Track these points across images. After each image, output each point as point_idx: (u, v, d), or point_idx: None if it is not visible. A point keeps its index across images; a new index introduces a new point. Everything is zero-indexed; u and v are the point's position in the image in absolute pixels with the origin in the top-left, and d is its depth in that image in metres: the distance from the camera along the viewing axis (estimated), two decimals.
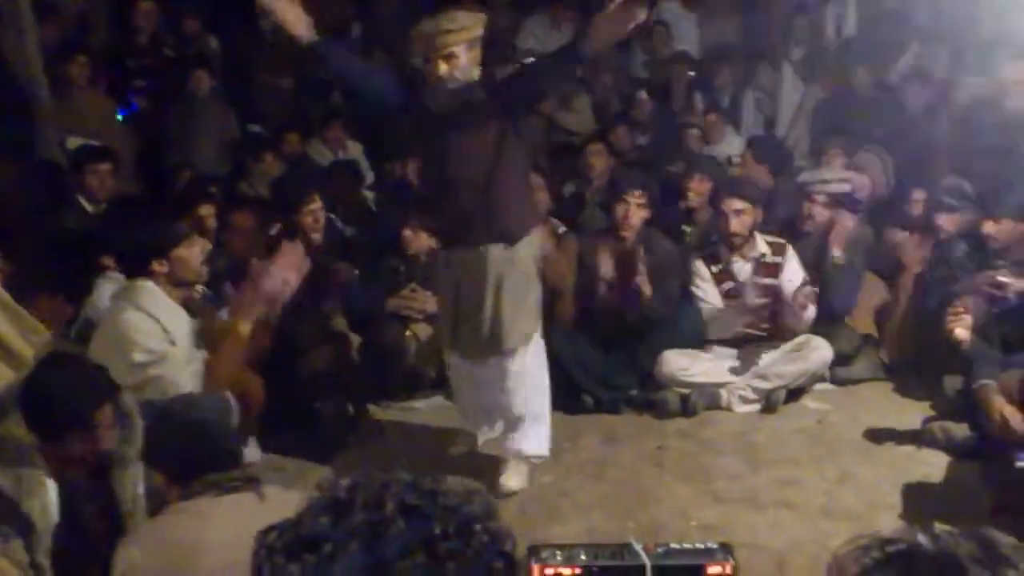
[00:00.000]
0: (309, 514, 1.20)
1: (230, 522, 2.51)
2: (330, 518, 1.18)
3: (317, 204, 5.68)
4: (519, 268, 4.52)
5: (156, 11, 8.27)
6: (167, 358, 3.96)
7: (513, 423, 4.72)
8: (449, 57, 4.25)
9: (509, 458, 4.73)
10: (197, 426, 2.81)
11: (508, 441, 4.75)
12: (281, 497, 2.63)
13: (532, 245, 4.60)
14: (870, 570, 1.18)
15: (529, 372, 4.66)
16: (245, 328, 3.93)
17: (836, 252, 5.83)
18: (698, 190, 6.43)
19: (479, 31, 4.31)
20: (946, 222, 5.83)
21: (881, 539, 1.20)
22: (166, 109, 7.74)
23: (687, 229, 6.38)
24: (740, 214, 5.61)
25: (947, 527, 1.21)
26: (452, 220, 4.54)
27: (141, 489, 3.13)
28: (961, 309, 4.51)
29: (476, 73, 4.36)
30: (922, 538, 1.17)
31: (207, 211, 5.65)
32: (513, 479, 4.66)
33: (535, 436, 4.72)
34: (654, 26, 9.06)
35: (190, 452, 2.72)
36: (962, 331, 4.47)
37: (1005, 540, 1.18)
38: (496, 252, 4.47)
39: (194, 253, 4.17)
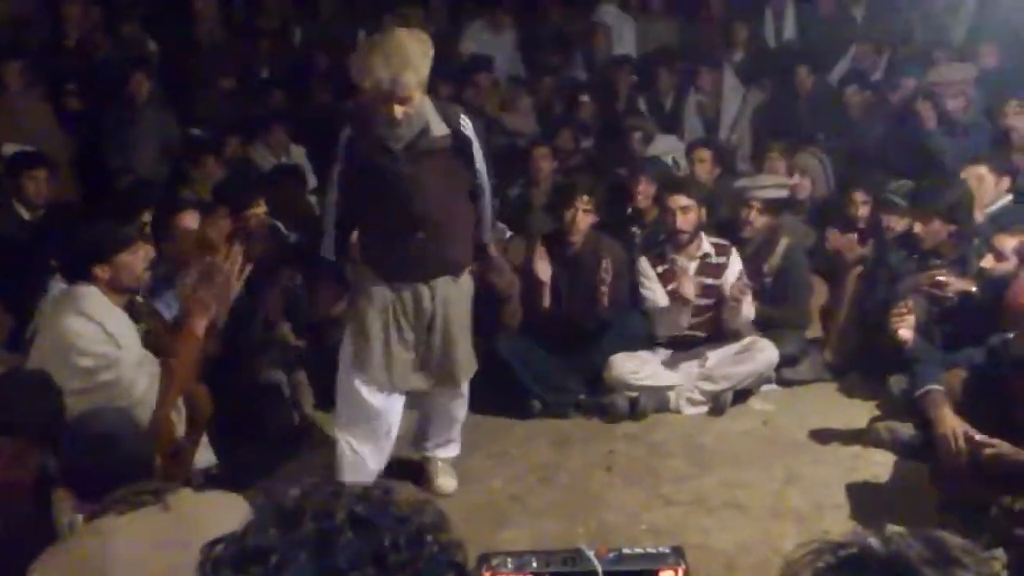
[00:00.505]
0: (256, 525, 1.17)
1: (136, 538, 2.45)
2: (278, 529, 1.15)
3: (261, 208, 5.62)
4: (464, 300, 4.59)
5: (85, 13, 8.13)
6: (119, 362, 3.87)
7: (450, 436, 4.90)
8: (405, 100, 4.13)
9: (438, 462, 4.89)
10: (103, 440, 2.71)
11: (440, 450, 4.90)
12: (213, 504, 2.57)
13: (468, 275, 4.64)
14: (822, 574, 1.17)
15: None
16: (200, 326, 3.85)
17: (774, 260, 5.89)
18: (645, 193, 6.46)
19: (429, 64, 4.18)
20: (894, 222, 5.92)
21: (832, 543, 1.21)
22: (105, 113, 7.60)
23: (636, 231, 6.39)
24: (685, 211, 5.64)
25: (898, 529, 1.20)
26: (401, 257, 4.41)
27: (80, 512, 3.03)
28: (904, 310, 4.55)
29: (428, 106, 4.27)
30: (873, 541, 1.18)
31: (147, 216, 5.56)
32: (450, 481, 4.84)
33: (458, 441, 4.94)
34: (595, 29, 9.09)
35: (98, 467, 2.65)
36: (906, 331, 4.51)
37: (955, 541, 1.19)
38: (444, 285, 4.48)
39: (138, 259, 4.09)
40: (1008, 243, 4.67)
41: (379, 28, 9.04)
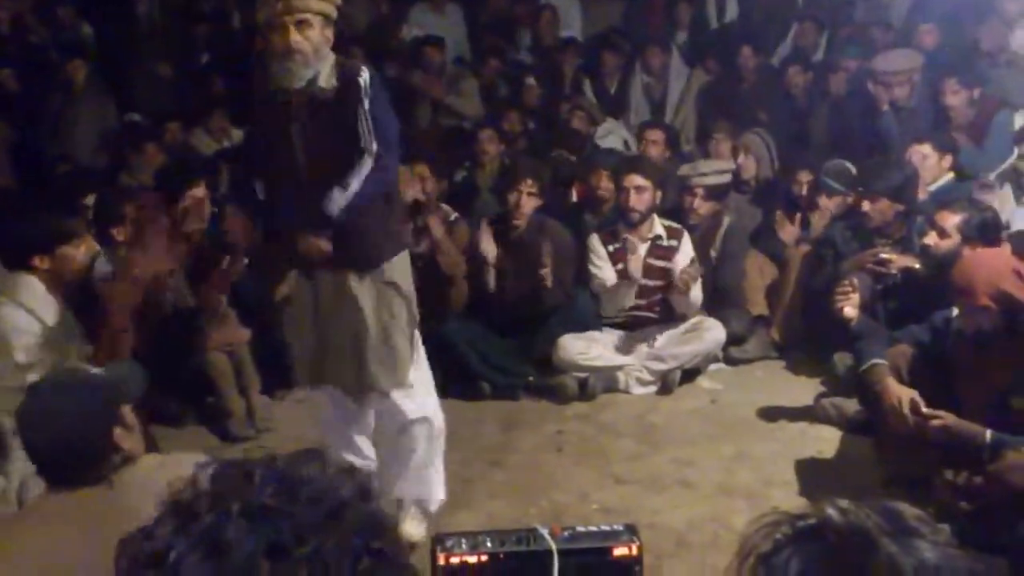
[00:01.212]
0: (158, 520, 1.10)
1: (68, 521, 2.39)
2: (175, 524, 1.07)
3: (200, 191, 5.54)
4: (384, 301, 3.99)
5: None
6: (38, 365, 3.79)
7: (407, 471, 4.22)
8: (301, 25, 3.66)
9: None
10: (52, 422, 2.51)
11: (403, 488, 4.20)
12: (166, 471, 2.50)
13: (401, 273, 4.06)
14: (781, 546, 1.17)
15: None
16: (120, 318, 3.78)
17: (714, 249, 5.94)
18: (603, 185, 6.39)
19: (334, 9, 3.77)
20: (827, 204, 5.99)
21: (790, 515, 1.20)
22: (41, 99, 7.45)
23: (589, 218, 6.34)
24: (640, 191, 5.65)
25: (852, 501, 1.21)
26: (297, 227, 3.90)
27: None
28: (849, 288, 4.60)
29: (329, 57, 3.78)
30: (831, 511, 1.17)
31: (89, 200, 5.47)
32: (414, 528, 3.99)
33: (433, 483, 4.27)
34: (542, 11, 9.06)
35: (54, 450, 2.48)
36: (850, 309, 4.56)
37: (911, 511, 1.19)
38: (355, 279, 3.95)
39: (80, 253, 4.01)
40: (950, 220, 4.73)
41: None
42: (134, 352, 4.37)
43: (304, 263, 3.96)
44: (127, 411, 2.59)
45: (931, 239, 4.78)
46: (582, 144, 7.49)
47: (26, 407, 2.57)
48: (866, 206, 5.30)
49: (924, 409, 3.93)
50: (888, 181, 5.27)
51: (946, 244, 4.71)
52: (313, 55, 3.71)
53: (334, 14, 3.79)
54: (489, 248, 5.71)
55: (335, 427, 4.25)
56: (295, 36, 3.65)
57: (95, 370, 2.69)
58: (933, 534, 1.16)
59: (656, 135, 7.11)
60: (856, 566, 1.12)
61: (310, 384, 4.19)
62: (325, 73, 3.77)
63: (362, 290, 3.94)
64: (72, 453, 2.46)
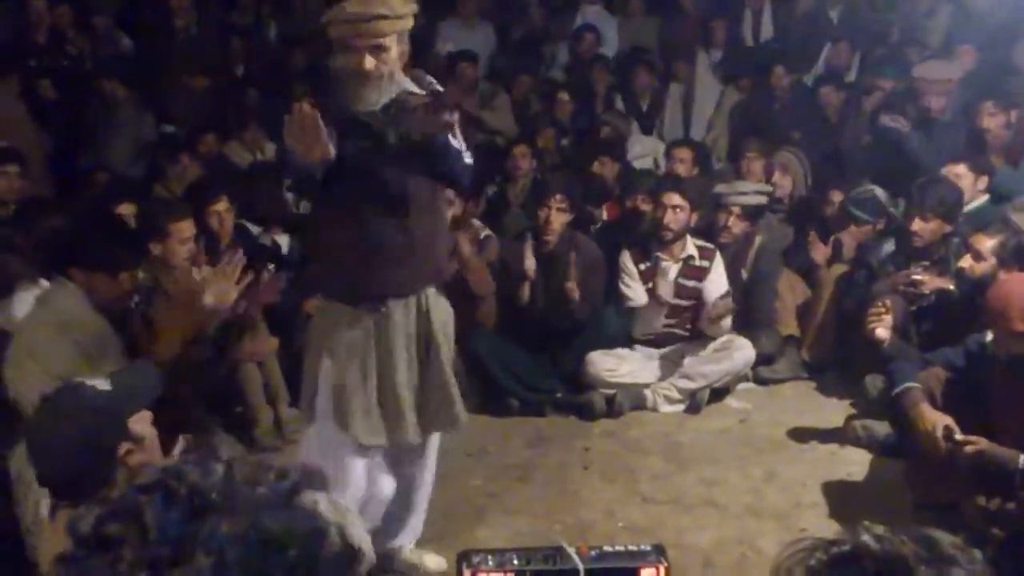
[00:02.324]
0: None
1: None
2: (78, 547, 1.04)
3: (223, 206, 5.58)
4: (451, 316, 3.84)
5: (52, 7, 8.05)
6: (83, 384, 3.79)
7: (419, 512, 4.06)
8: (378, 49, 3.41)
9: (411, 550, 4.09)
10: (58, 438, 2.44)
11: (408, 536, 4.06)
12: None
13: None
14: (815, 572, 1.16)
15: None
16: (162, 351, 3.72)
17: (744, 272, 5.91)
18: (640, 206, 6.40)
19: (410, 21, 3.54)
20: (854, 231, 5.96)
21: (825, 540, 1.19)
22: (78, 109, 7.53)
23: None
24: (677, 210, 5.64)
25: (887, 528, 1.19)
26: (378, 266, 3.57)
27: (45, 512, 2.92)
28: (882, 309, 4.57)
29: (403, 76, 3.54)
30: (867, 538, 1.16)
31: (128, 209, 5.51)
32: (434, 561, 3.99)
33: (417, 526, 4.09)
34: (583, 31, 9.08)
35: (60, 464, 2.44)
36: (883, 331, 4.52)
37: (947, 539, 1.18)
38: (432, 299, 3.71)
39: (118, 284, 4.00)
40: (986, 243, 4.69)
41: None
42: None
43: (372, 293, 3.61)
44: (138, 422, 2.57)
45: (966, 262, 4.74)
46: (622, 152, 7.52)
47: (29, 428, 2.56)
48: (916, 225, 5.23)
49: (958, 435, 3.89)
50: (940, 200, 5.23)
51: (981, 267, 4.67)
52: (389, 80, 3.44)
53: (410, 26, 3.55)
54: (530, 264, 5.70)
55: (345, 462, 3.68)
56: (370, 61, 3.41)
57: (101, 384, 2.68)
58: (969, 562, 1.15)
59: (684, 153, 7.10)
60: None
61: (366, 439, 3.66)
62: (409, 86, 3.53)
63: (438, 308, 3.73)
64: (73, 474, 2.44)
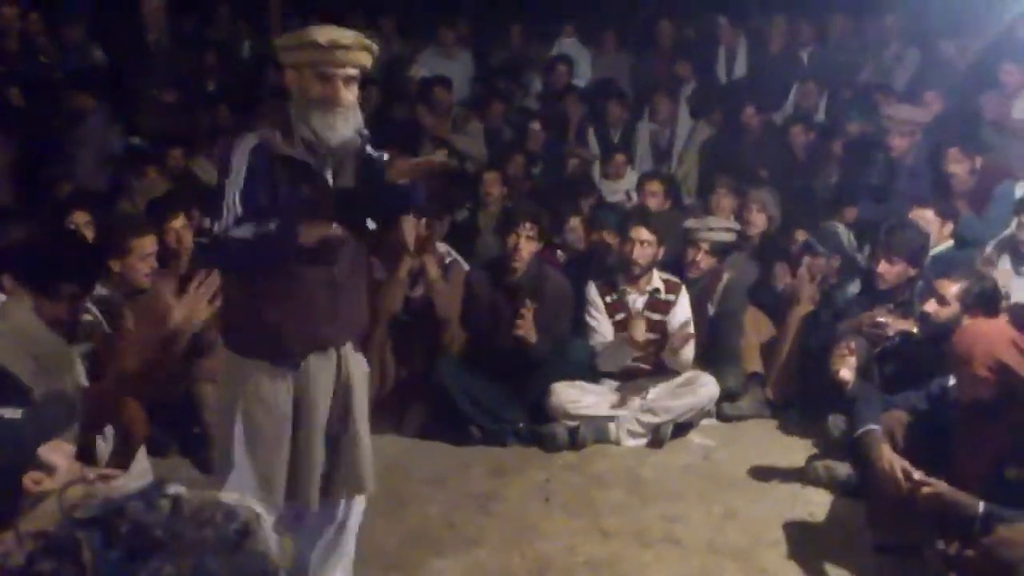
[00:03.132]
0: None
1: None
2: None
3: (180, 222, 5.54)
4: (365, 374, 3.68)
5: (21, 15, 7.98)
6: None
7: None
8: (351, 80, 3.30)
9: None
10: None
11: None
12: None
13: None
14: None
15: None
16: (123, 372, 3.62)
17: (711, 307, 5.92)
18: (606, 240, 6.43)
19: (369, 65, 3.43)
20: (810, 263, 5.99)
21: None
22: (47, 118, 7.44)
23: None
24: (644, 245, 5.64)
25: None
26: (306, 317, 3.37)
27: None
28: (847, 351, 4.58)
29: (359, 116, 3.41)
30: None
31: (82, 218, 5.45)
32: None
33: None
34: (557, 62, 9.13)
35: None
36: (847, 372, 4.54)
37: None
38: (349, 354, 3.54)
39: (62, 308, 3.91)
40: (951, 289, 4.72)
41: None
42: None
43: (299, 347, 3.42)
44: (51, 451, 2.53)
45: (931, 307, 4.76)
46: (592, 188, 7.55)
47: None
48: (882, 268, 5.27)
49: (916, 475, 3.89)
50: (907, 244, 5.26)
51: (946, 312, 4.69)
52: (353, 111, 3.34)
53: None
54: (494, 300, 5.66)
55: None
56: (345, 95, 3.29)
57: (10, 414, 2.63)
58: None
59: (656, 187, 7.13)
60: None
61: (285, 502, 3.45)
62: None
63: (357, 365, 3.58)
64: None
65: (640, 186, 7.37)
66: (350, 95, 3.30)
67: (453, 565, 4.26)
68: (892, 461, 3.96)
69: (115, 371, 3.50)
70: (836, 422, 5.19)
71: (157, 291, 4.82)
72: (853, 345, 4.66)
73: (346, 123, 3.30)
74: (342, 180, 3.41)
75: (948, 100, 7.59)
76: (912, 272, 5.26)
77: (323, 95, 3.26)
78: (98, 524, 0.97)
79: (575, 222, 6.79)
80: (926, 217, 5.70)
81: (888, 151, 6.78)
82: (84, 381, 3.89)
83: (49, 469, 2.48)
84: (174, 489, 1.04)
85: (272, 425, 3.41)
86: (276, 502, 3.36)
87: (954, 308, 4.67)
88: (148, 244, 5.03)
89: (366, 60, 3.33)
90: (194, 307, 3.22)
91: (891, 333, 5.08)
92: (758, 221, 6.81)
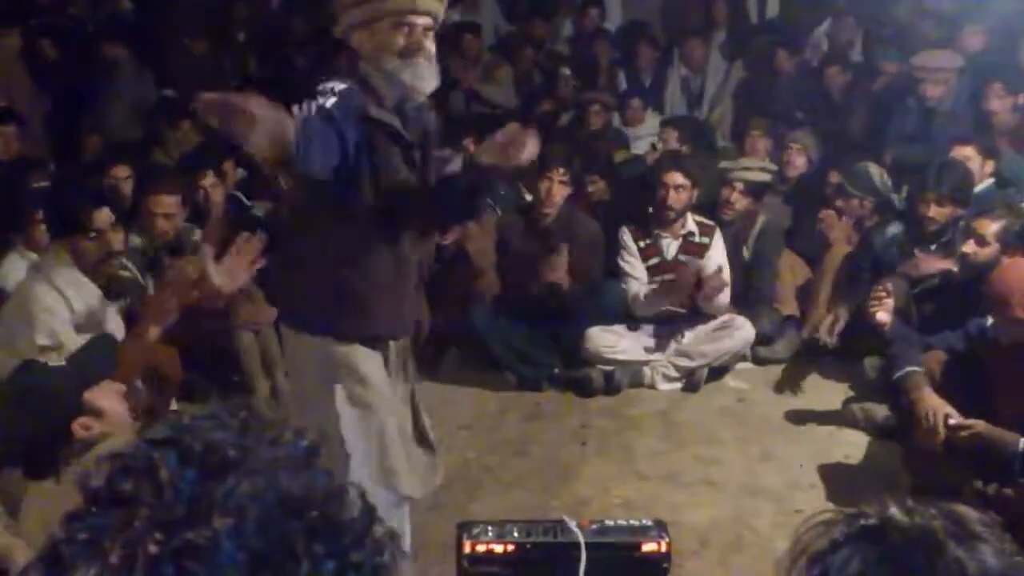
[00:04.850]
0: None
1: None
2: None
3: (209, 180, 5.55)
4: None
5: None
6: (63, 349, 3.75)
7: None
8: (426, 32, 3.05)
9: None
10: (7, 420, 2.48)
11: None
12: None
13: None
14: (839, 545, 1.12)
15: None
16: (154, 333, 3.62)
17: (746, 251, 5.87)
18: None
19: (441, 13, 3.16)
20: (843, 206, 5.91)
21: (850, 514, 1.15)
22: (79, 71, 7.46)
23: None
24: (679, 189, 5.60)
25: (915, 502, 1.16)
26: (395, 293, 3.19)
27: None
28: (883, 292, 4.54)
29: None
30: (895, 511, 1.12)
31: (122, 172, 5.46)
32: None
33: None
34: (588, 6, 9.01)
35: (10, 446, 2.48)
36: (884, 314, 4.50)
37: (975, 515, 1.14)
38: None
39: (95, 245, 3.95)
40: (990, 228, 4.66)
41: None
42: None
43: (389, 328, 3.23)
44: (97, 395, 2.56)
45: (969, 247, 4.71)
46: (608, 149, 7.43)
47: None
48: (932, 211, 5.16)
49: (954, 420, 3.88)
50: (958, 185, 5.18)
51: (985, 252, 4.64)
52: (435, 67, 3.10)
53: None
54: (527, 245, 5.62)
55: None
56: (425, 41, 3.05)
57: (55, 362, 2.67)
58: (999, 541, 1.12)
59: (669, 135, 7.09)
60: (920, 568, 1.08)
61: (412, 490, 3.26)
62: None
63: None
64: (22, 451, 2.46)
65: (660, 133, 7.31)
66: (431, 46, 3.08)
67: (491, 507, 4.29)
68: (935, 408, 3.94)
69: (149, 326, 3.50)
70: (872, 364, 5.16)
71: (198, 251, 4.84)
72: (890, 287, 4.62)
73: (433, 76, 3.09)
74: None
75: (992, 36, 7.42)
76: (959, 212, 5.17)
77: (408, 46, 3.01)
78: (172, 444, 0.98)
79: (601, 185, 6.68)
80: (967, 155, 5.60)
81: (922, 99, 6.64)
82: (120, 334, 3.94)
83: (98, 414, 2.51)
84: (242, 411, 1.05)
85: (383, 407, 3.18)
86: (403, 488, 3.19)
87: (993, 248, 4.62)
88: (166, 203, 4.97)
89: (440, 8, 3.12)
90: (234, 271, 3.19)
91: (931, 272, 5.03)
92: (798, 162, 6.72)
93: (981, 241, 4.69)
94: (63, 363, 2.96)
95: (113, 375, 3.16)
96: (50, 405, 2.55)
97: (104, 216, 3.99)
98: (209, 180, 5.58)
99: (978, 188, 5.59)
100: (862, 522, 1.13)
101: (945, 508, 1.13)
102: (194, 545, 0.90)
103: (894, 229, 5.50)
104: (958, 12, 7.80)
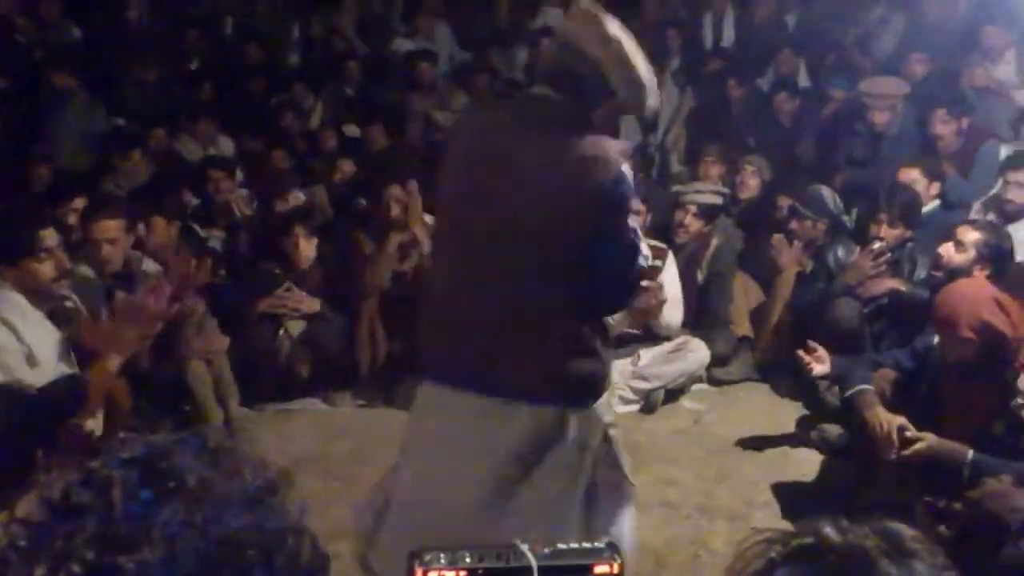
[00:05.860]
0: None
1: None
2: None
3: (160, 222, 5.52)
4: None
5: None
6: (21, 382, 3.67)
7: None
8: None
9: None
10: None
11: None
12: None
13: None
14: (775, 564, 1.13)
15: None
16: (113, 363, 3.60)
17: (700, 273, 5.91)
18: None
19: None
20: (796, 228, 5.96)
21: (786, 533, 1.16)
22: (27, 98, 7.38)
23: None
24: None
25: (849, 521, 1.17)
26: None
27: None
28: (813, 348, 4.53)
29: None
30: (829, 531, 1.13)
31: (79, 203, 5.37)
32: None
33: None
34: (543, 35, 9.05)
35: None
36: (819, 367, 4.51)
37: (909, 532, 1.15)
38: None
39: (45, 268, 3.88)
40: (970, 235, 4.78)
41: (308, 23, 9.04)
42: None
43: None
44: (75, 425, 2.54)
45: (945, 250, 4.78)
46: None
47: None
48: (885, 232, 5.28)
49: (909, 433, 3.92)
50: (907, 206, 5.29)
51: (960, 257, 4.72)
52: None
53: None
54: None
55: None
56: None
57: (31, 389, 2.64)
58: (931, 556, 1.13)
59: None
60: None
61: None
62: None
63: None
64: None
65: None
66: None
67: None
68: (887, 420, 3.98)
69: (110, 355, 3.47)
70: (832, 390, 5.20)
71: (147, 281, 4.77)
72: (816, 345, 4.56)
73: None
74: None
75: (934, 63, 7.57)
76: (908, 233, 5.28)
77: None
78: (138, 463, 0.97)
79: None
80: (913, 177, 5.71)
81: (870, 125, 6.76)
82: (74, 367, 3.88)
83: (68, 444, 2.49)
84: (215, 441, 1.03)
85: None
86: None
87: (969, 255, 4.70)
88: (109, 227, 4.89)
89: None
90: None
91: (880, 292, 5.10)
92: (751, 183, 6.80)
93: (959, 246, 4.76)
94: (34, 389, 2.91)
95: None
96: (13, 438, 2.51)
97: (51, 234, 3.94)
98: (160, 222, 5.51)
99: (925, 209, 5.69)
100: (796, 541, 1.13)
101: (878, 526, 1.14)
102: (120, 570, 0.89)
103: (844, 250, 5.58)
104: (902, 39, 7.97)
